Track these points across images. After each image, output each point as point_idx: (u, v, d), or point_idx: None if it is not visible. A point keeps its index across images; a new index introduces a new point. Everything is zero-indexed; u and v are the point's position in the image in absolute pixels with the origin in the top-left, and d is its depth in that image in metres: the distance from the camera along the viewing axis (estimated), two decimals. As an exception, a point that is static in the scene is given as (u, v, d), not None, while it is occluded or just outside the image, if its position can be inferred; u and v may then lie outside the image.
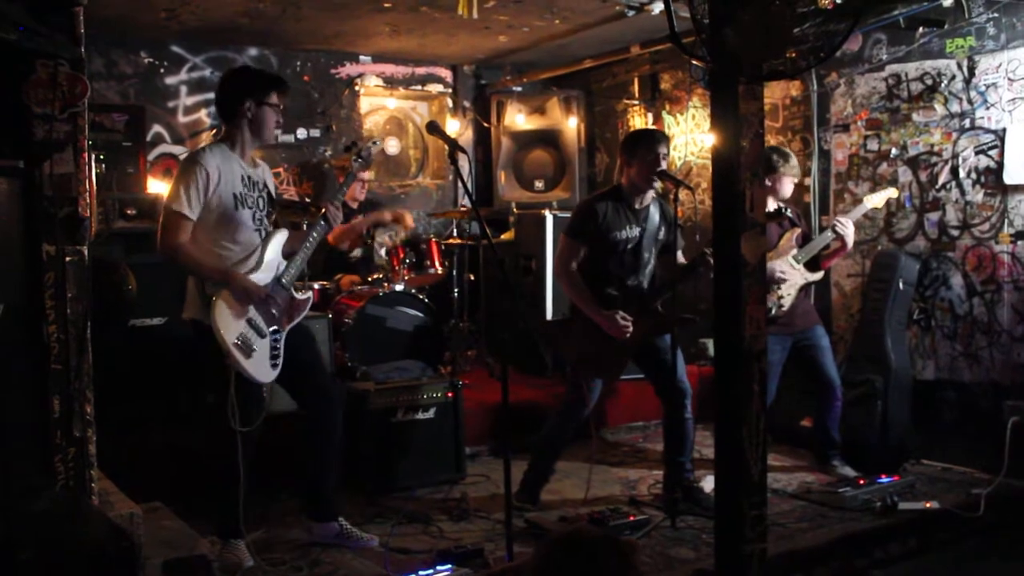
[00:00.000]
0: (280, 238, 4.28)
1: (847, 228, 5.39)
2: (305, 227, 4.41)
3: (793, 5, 2.97)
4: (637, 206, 4.95)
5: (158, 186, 7.16)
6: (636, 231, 4.92)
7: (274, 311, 4.14)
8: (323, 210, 4.36)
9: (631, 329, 4.79)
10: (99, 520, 2.73)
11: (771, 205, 5.50)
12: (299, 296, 4.31)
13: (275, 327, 4.16)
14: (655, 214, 5.01)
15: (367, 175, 6.72)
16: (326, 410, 4.45)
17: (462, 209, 7.86)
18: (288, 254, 4.30)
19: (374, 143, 4.67)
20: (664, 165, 4.85)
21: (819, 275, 5.60)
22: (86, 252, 3.46)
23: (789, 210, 5.62)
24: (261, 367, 4.07)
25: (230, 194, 4.08)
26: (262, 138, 4.30)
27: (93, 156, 6.07)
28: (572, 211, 5.38)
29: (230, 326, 3.95)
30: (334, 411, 4.48)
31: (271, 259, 4.20)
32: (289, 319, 4.26)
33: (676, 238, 5.04)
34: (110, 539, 2.81)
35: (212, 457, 4.21)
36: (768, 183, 5.26)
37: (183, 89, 7.52)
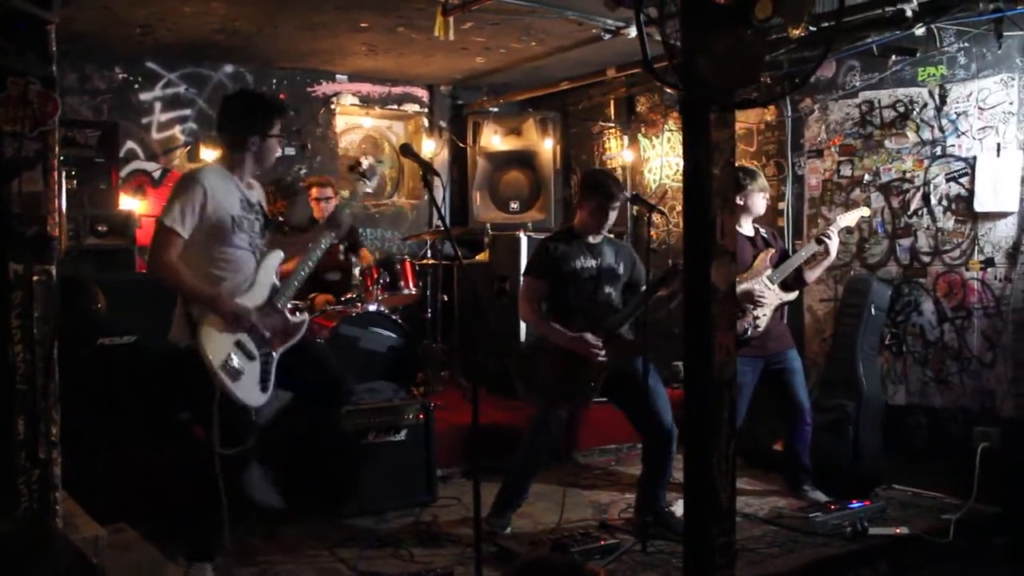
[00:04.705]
0: (274, 260, 4.24)
1: (833, 238, 5.43)
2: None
3: (765, 34, 2.99)
4: (591, 241, 5.04)
5: (130, 203, 7.14)
6: (592, 262, 4.99)
7: (266, 334, 4.09)
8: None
9: (602, 351, 4.79)
10: (62, 544, 2.69)
11: (747, 227, 5.53)
12: (293, 319, 4.24)
13: (266, 350, 4.10)
14: (609, 251, 5.09)
15: (327, 192, 6.73)
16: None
17: (437, 229, 7.85)
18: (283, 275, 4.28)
19: (379, 161, 4.66)
20: (611, 219, 4.97)
21: (793, 295, 5.62)
22: (54, 271, 3.42)
23: (764, 230, 5.65)
24: (249, 390, 3.99)
25: (227, 216, 4.02)
26: (264, 167, 4.28)
27: (64, 172, 6.05)
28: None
29: (217, 349, 3.88)
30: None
31: (264, 281, 4.16)
32: (282, 341, 4.18)
33: (642, 277, 5.12)
34: (73, 565, 2.77)
35: (185, 478, 4.17)
36: (740, 201, 5.29)
37: (157, 105, 7.50)
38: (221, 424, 3.89)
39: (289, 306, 4.24)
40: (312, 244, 4.35)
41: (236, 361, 3.94)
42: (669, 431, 4.88)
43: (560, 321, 4.91)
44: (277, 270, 4.25)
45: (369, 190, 4.62)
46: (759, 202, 5.52)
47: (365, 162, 4.62)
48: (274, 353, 4.15)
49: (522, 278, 5.19)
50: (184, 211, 3.91)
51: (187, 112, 7.64)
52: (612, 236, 5.20)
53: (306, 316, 4.35)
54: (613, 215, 4.99)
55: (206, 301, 3.93)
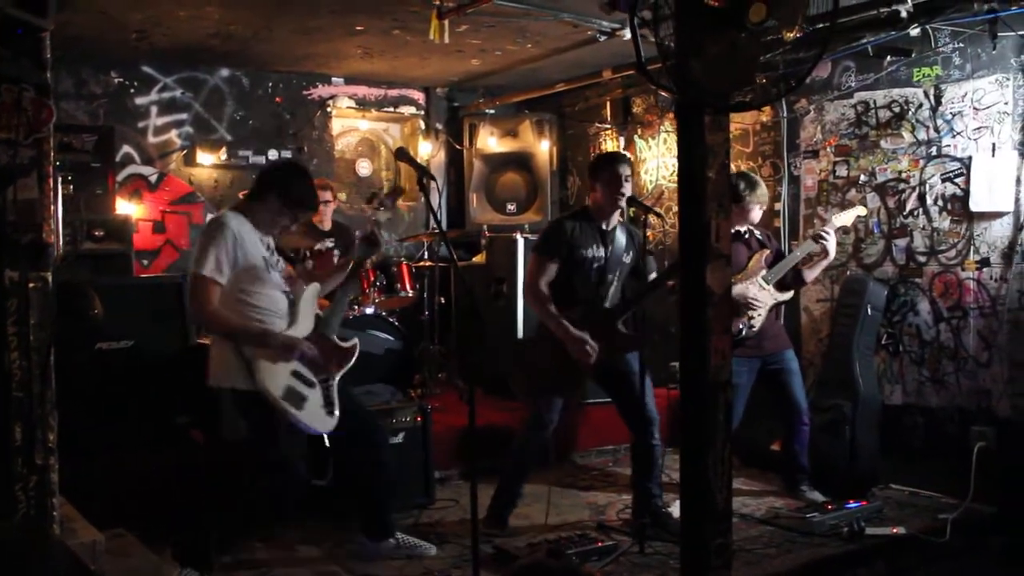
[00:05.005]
0: (312, 292, 4.35)
1: (830, 236, 5.43)
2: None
3: (759, 37, 2.99)
4: (605, 227, 4.98)
5: (127, 207, 7.15)
6: (602, 251, 4.96)
7: (320, 361, 4.15)
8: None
9: (594, 358, 4.79)
10: (59, 550, 2.70)
11: (742, 229, 5.55)
12: (343, 344, 4.32)
13: (324, 376, 4.18)
14: (622, 237, 5.03)
15: (329, 196, 6.73)
16: (376, 442, 4.55)
17: (433, 232, 7.86)
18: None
19: (400, 191, 4.74)
20: (627, 186, 4.89)
21: (789, 295, 5.63)
22: (50, 278, 3.42)
23: (759, 231, 5.66)
24: (315, 417, 4.07)
25: (258, 256, 4.09)
26: (270, 231, 4.30)
27: (61, 177, 6.06)
28: (541, 231, 5.41)
29: (276, 381, 3.96)
30: (384, 443, 4.65)
31: (306, 313, 4.24)
32: (339, 366, 4.27)
33: (646, 264, 5.09)
34: (70, 570, 2.78)
35: (188, 483, 4.20)
36: (736, 210, 5.29)
37: (153, 109, 7.51)
38: (301, 453, 3.99)
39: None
40: (350, 268, 4.51)
41: (298, 388, 4.02)
42: (651, 418, 4.90)
43: (559, 302, 4.89)
44: (316, 301, 4.37)
45: (386, 218, 4.71)
46: (755, 213, 5.53)
47: (383, 194, 4.74)
48: (333, 378, 4.23)
49: (531, 254, 5.13)
50: (220, 259, 3.96)
51: (183, 116, 7.64)
52: (624, 221, 5.12)
53: (356, 340, 4.41)
54: (628, 185, 4.90)
55: (257, 337, 4.00)
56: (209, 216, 7.67)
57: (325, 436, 4.08)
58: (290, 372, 4.02)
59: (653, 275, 5.08)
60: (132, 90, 7.41)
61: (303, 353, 4.07)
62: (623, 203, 4.93)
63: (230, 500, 4.10)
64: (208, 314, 3.97)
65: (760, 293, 5.46)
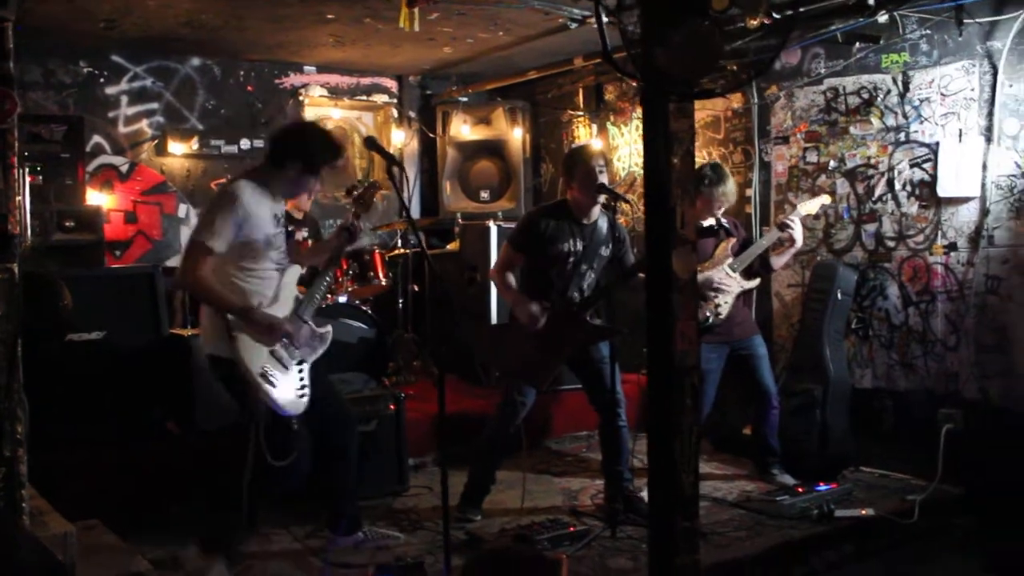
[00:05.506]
0: (294, 273, 4.31)
1: (796, 225, 5.47)
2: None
3: (722, 25, 3.01)
4: (584, 221, 5.01)
5: (98, 197, 7.10)
6: (580, 245, 4.98)
7: (296, 344, 4.14)
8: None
9: (540, 321, 4.85)
10: (27, 542, 2.70)
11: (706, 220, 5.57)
12: (319, 329, 4.31)
13: (299, 359, 4.17)
14: (603, 228, 5.06)
15: (317, 186, 6.64)
16: (345, 435, 4.53)
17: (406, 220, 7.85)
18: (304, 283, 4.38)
19: (373, 185, 4.67)
20: (602, 178, 4.89)
21: (756, 282, 5.67)
22: (16, 269, 3.41)
23: (725, 220, 5.69)
24: (289, 399, 4.05)
25: (262, 235, 4.05)
26: (291, 195, 4.29)
27: (29, 167, 6.02)
28: (518, 220, 5.45)
29: (254, 359, 3.95)
30: (353, 436, 4.60)
31: (287, 294, 4.22)
32: (312, 351, 4.26)
33: (626, 252, 5.13)
34: (39, 561, 2.78)
35: (165, 474, 4.17)
36: (700, 201, 5.30)
37: (124, 99, 7.46)
38: (267, 435, 3.94)
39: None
40: (332, 255, 4.48)
41: (273, 371, 4.00)
42: (618, 400, 4.96)
43: (533, 292, 4.94)
44: (296, 284, 4.33)
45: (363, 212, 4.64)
46: (714, 205, 5.53)
47: (361, 185, 4.70)
48: (307, 362, 4.22)
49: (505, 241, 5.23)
50: (222, 229, 3.93)
51: (154, 106, 7.60)
52: (606, 212, 5.11)
53: (329, 327, 4.40)
54: (603, 176, 4.92)
55: (239, 313, 3.97)
56: (183, 207, 7.65)
57: (293, 419, 4.06)
58: (268, 352, 4.01)
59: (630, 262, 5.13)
60: (102, 80, 7.36)
61: (286, 334, 4.06)
62: (602, 197, 4.96)
63: (237, 489, 4.09)
64: (193, 279, 3.92)
65: (727, 280, 5.51)
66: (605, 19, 3.17)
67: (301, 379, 4.15)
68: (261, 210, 4.05)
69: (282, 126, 4.32)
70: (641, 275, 4.72)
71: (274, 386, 3.97)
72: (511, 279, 5.07)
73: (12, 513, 3.38)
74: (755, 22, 3.08)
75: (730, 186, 5.53)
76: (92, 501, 4.36)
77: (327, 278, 4.40)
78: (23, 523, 3.40)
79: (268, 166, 4.20)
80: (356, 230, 4.47)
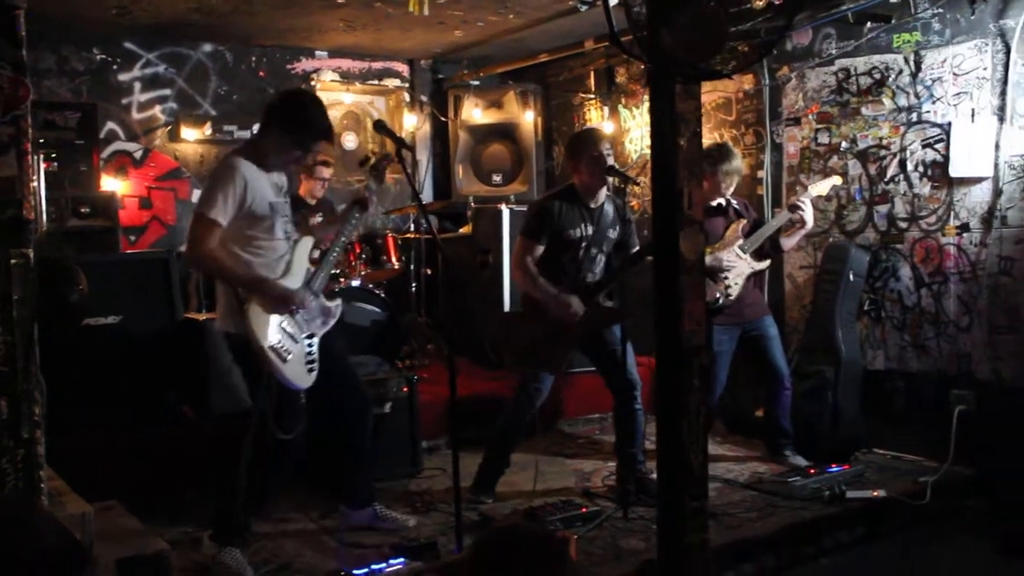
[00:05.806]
0: (306, 245, 4.30)
1: (806, 206, 5.47)
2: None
3: (727, 5, 3.02)
4: (592, 205, 5.02)
5: (112, 183, 7.15)
6: (590, 229, 4.99)
7: (306, 317, 4.15)
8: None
9: (579, 318, 4.84)
10: (46, 521, 2.73)
11: (715, 200, 5.58)
12: (329, 303, 4.31)
13: (308, 333, 4.17)
14: (610, 212, 5.07)
15: (328, 172, 6.64)
16: (361, 410, 4.55)
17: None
18: (316, 259, 4.36)
19: (387, 156, 4.62)
20: (609, 161, 4.90)
21: (766, 264, 5.69)
22: (31, 254, 3.45)
23: (735, 201, 5.69)
24: (298, 373, 4.06)
25: (266, 203, 4.05)
26: (282, 166, 4.26)
27: (44, 154, 6.07)
28: (527, 210, 5.41)
29: (264, 332, 3.95)
30: (368, 410, 4.62)
31: (299, 266, 4.20)
32: (322, 325, 4.26)
33: (631, 235, 5.13)
34: (57, 540, 2.81)
35: (180, 456, 4.19)
36: (707, 180, 5.31)
37: (137, 86, 7.49)
38: (275, 410, 3.96)
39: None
40: (341, 227, 4.43)
41: (283, 343, 4.00)
42: (633, 382, 4.97)
43: (547, 279, 4.94)
44: (309, 255, 4.31)
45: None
46: (727, 184, 5.54)
47: (374, 158, 4.67)
48: (316, 335, 4.22)
49: (518, 237, 5.15)
50: (226, 201, 3.93)
51: (167, 92, 7.63)
52: (611, 195, 5.12)
53: (339, 302, 4.40)
54: (610, 158, 4.92)
55: (251, 284, 3.98)
56: (196, 192, 7.69)
57: (301, 393, 4.09)
58: (279, 325, 4.01)
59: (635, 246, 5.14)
60: (115, 66, 7.39)
61: (299, 305, 4.07)
62: (608, 178, 4.97)
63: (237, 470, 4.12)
64: (201, 252, 3.93)
65: (737, 262, 5.52)
66: (612, 1, 3.18)
67: (310, 353, 4.16)
68: (259, 179, 4.06)
69: (273, 95, 4.29)
70: (649, 258, 4.78)
71: (284, 360, 3.97)
72: (536, 271, 4.94)
73: (31, 493, 3.43)
74: (761, 3, 3.08)
75: (735, 163, 5.54)
76: (108, 486, 4.39)
77: (336, 250, 4.36)
78: (41, 503, 3.45)
79: (257, 136, 4.24)
80: (368, 200, 4.45)
